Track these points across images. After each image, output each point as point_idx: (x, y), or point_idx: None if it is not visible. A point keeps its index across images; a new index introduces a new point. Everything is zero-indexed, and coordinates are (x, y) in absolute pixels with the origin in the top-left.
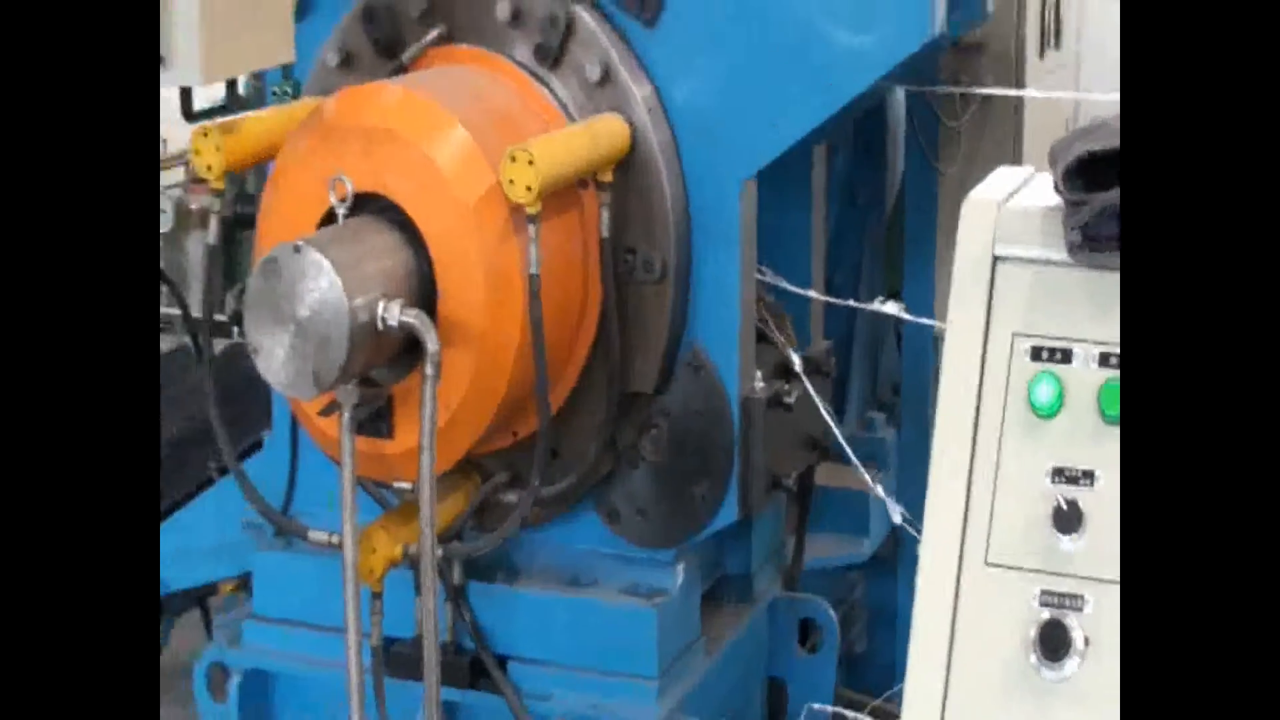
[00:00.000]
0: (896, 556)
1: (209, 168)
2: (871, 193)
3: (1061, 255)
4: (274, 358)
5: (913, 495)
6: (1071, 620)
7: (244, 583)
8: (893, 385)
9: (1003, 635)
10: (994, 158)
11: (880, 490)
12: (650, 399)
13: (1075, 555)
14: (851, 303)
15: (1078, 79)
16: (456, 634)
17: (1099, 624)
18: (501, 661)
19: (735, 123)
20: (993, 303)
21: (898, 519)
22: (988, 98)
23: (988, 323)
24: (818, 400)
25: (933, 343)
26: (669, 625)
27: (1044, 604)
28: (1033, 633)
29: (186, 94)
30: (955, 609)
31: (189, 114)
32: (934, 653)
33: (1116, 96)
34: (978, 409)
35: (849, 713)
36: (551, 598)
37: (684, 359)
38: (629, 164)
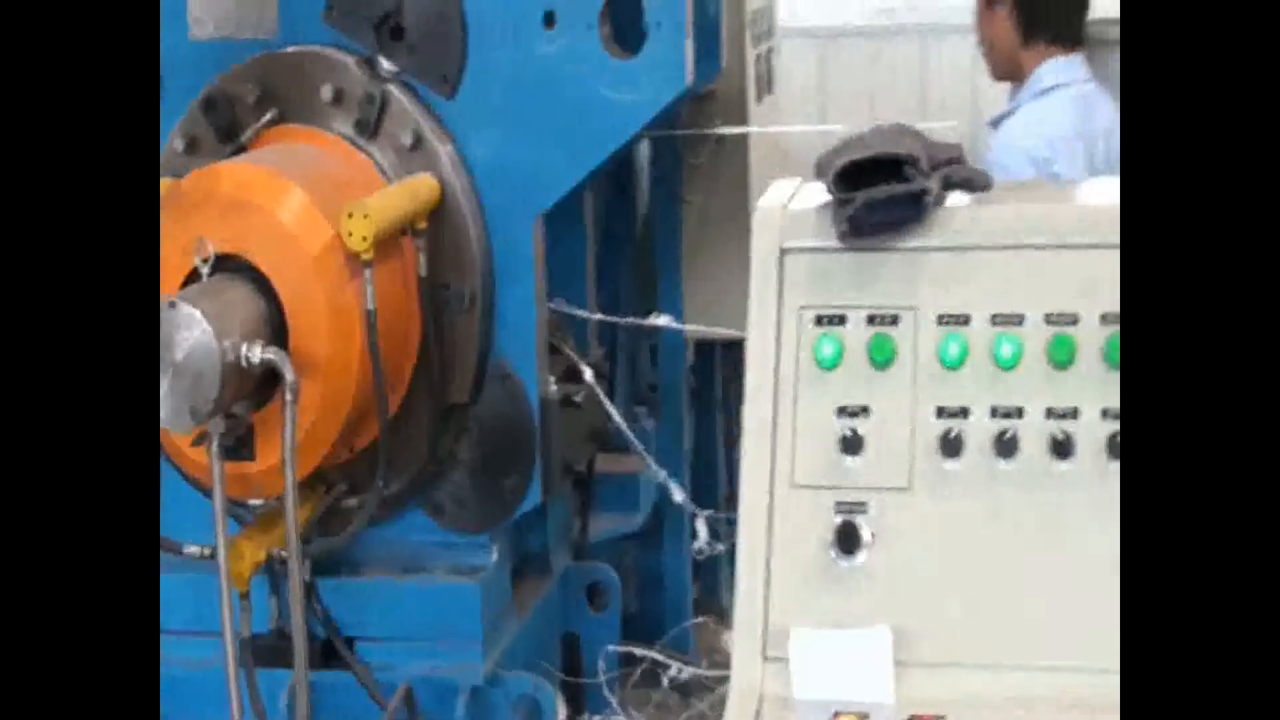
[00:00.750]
0: (660, 528)
1: None
2: (625, 224)
3: (833, 243)
4: (163, 399)
5: (671, 473)
6: (860, 521)
7: None
8: (649, 385)
9: (809, 538)
10: (730, 186)
11: (656, 468)
12: (465, 408)
13: (858, 471)
14: (632, 320)
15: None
16: (308, 624)
17: (881, 523)
18: (350, 642)
19: (522, 173)
20: (783, 284)
21: (678, 497)
22: (721, 137)
23: (780, 300)
24: (603, 398)
25: (683, 347)
26: (489, 596)
27: (838, 511)
28: (830, 535)
29: None
30: (770, 523)
31: None
32: (756, 558)
33: (816, 128)
34: (776, 368)
35: (637, 649)
36: (389, 583)
37: (492, 372)
38: (439, 213)
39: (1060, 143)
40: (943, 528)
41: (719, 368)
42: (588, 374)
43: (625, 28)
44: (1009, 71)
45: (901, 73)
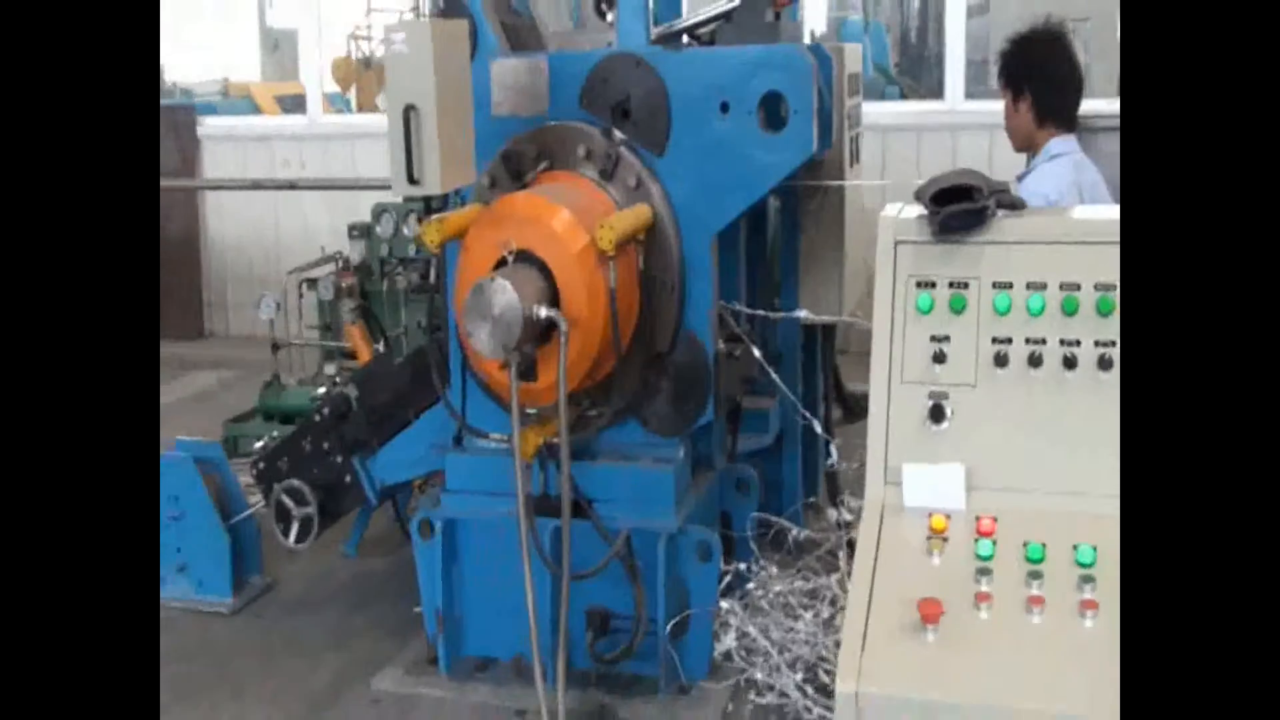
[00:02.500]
0: (781, 445)
1: (433, 241)
2: (760, 244)
3: (928, 238)
4: (480, 339)
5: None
6: (944, 403)
7: (425, 482)
8: (775, 350)
9: (912, 412)
10: (830, 222)
11: (787, 391)
12: (665, 355)
13: (942, 374)
14: (773, 314)
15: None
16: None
17: (956, 405)
18: (589, 503)
19: (704, 207)
20: (896, 263)
21: (818, 428)
22: (827, 189)
23: (894, 273)
24: (756, 354)
25: (797, 326)
26: (678, 479)
27: (930, 397)
28: (926, 410)
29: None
30: (889, 403)
31: (429, 209)
32: (880, 424)
33: (878, 182)
34: (892, 313)
35: (771, 517)
36: (615, 467)
37: (682, 333)
38: (652, 231)
39: (1063, 189)
40: (994, 409)
41: (819, 340)
42: (745, 338)
43: (774, 114)
44: (1026, 145)
45: (938, 154)
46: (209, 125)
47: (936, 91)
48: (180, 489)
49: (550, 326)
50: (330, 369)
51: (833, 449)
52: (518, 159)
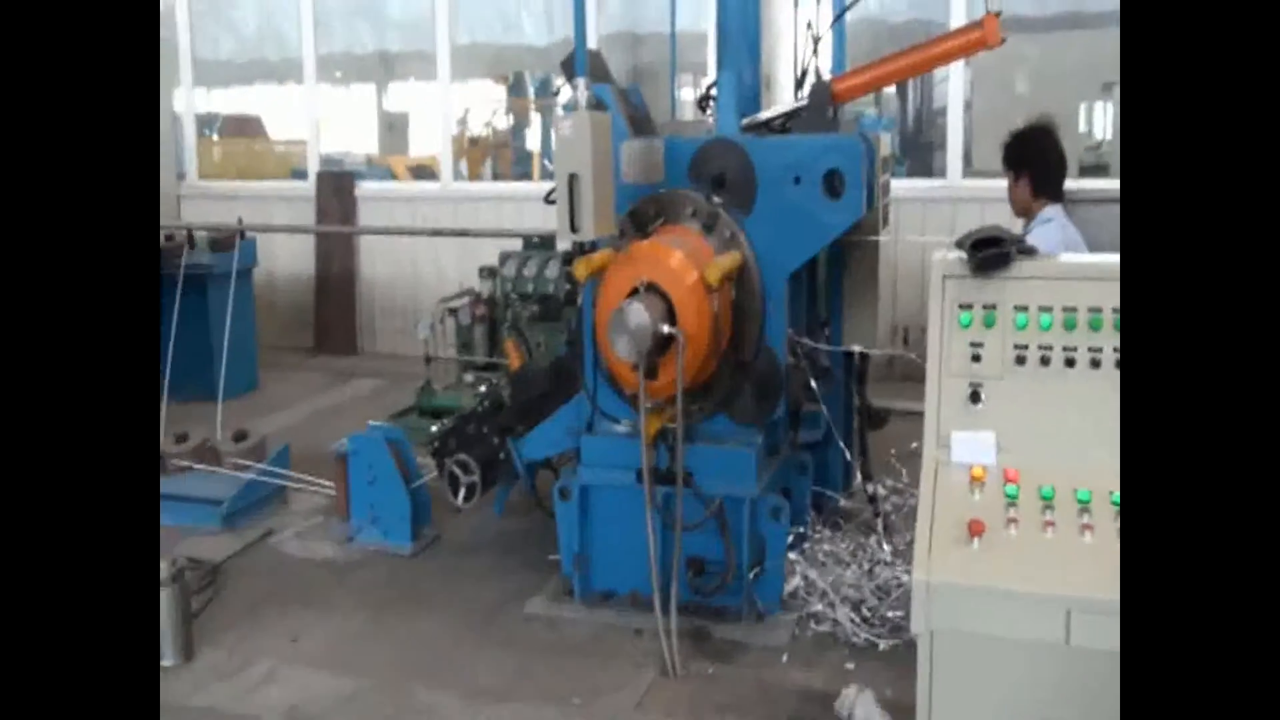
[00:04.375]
0: (826, 440)
1: (581, 275)
2: (812, 285)
3: (968, 274)
4: (619, 346)
5: (834, 412)
6: (980, 390)
7: (568, 457)
8: (824, 367)
9: (956, 397)
10: (868, 269)
11: (824, 409)
12: (749, 364)
13: (979, 369)
14: (825, 345)
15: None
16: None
17: (989, 392)
18: (690, 475)
19: (780, 255)
20: (944, 292)
21: (842, 444)
22: (865, 243)
23: (943, 298)
24: (807, 371)
25: (840, 352)
26: (758, 458)
27: (970, 386)
28: (966, 395)
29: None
30: (939, 391)
31: (571, 256)
32: (933, 407)
33: (920, 239)
34: (941, 327)
35: (827, 491)
36: (711, 448)
37: (763, 348)
38: (742, 272)
39: (1053, 245)
40: (1016, 395)
41: (855, 362)
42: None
43: (831, 185)
44: (1024, 213)
45: (940, 220)
46: (364, 188)
47: (929, 170)
48: (373, 460)
49: (669, 339)
50: (468, 377)
51: (849, 454)
52: (641, 216)
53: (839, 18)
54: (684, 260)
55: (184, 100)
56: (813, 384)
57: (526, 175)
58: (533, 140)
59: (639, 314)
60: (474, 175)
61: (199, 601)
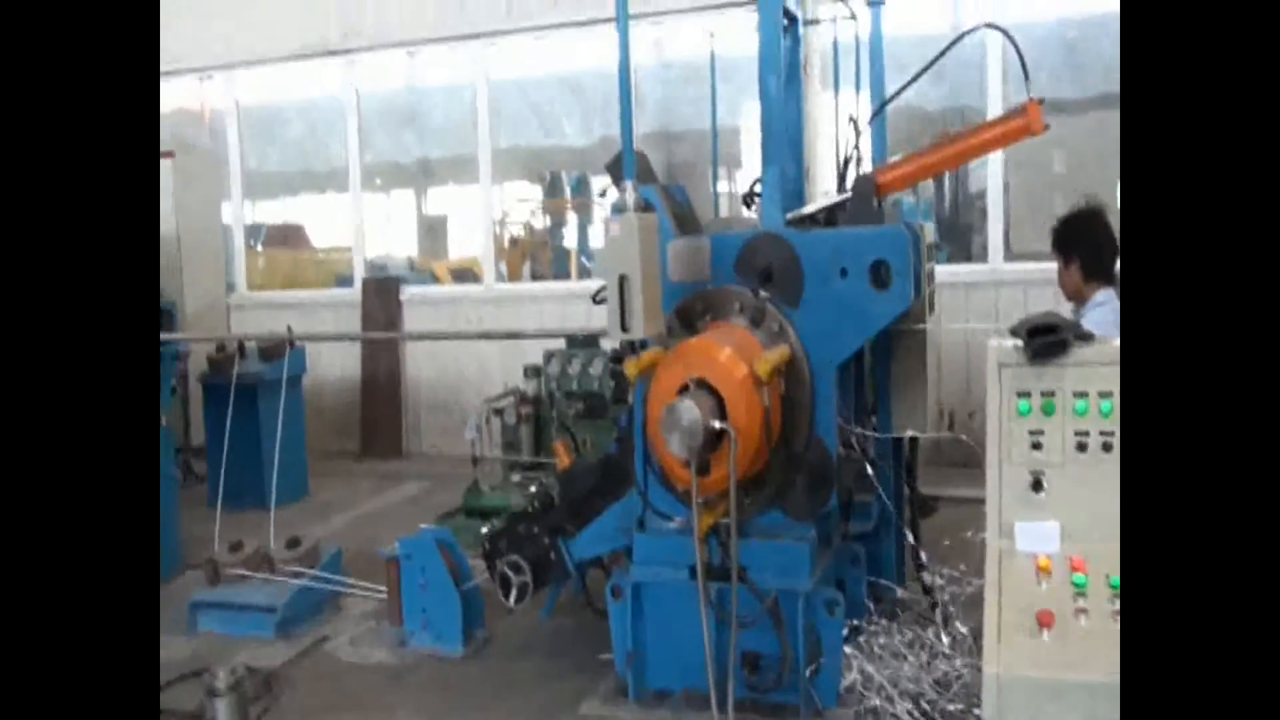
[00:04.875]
0: (878, 530)
1: (632, 373)
2: (859, 372)
3: (1024, 363)
4: (672, 443)
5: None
6: (1041, 478)
7: (618, 555)
8: (872, 459)
9: (1019, 483)
10: (916, 356)
11: (880, 495)
12: (801, 455)
13: (1039, 458)
14: (875, 433)
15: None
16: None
17: (1051, 479)
18: (744, 570)
19: (828, 347)
20: (1002, 380)
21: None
22: (912, 330)
23: (1000, 387)
24: (865, 460)
25: (890, 440)
26: (811, 552)
27: (1031, 473)
28: (1029, 482)
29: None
30: (1000, 478)
31: (619, 355)
32: (995, 494)
33: (960, 326)
34: (1000, 415)
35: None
36: (764, 542)
37: (813, 439)
38: (791, 364)
39: (1108, 328)
40: (1079, 482)
41: (905, 448)
42: (857, 447)
43: (877, 275)
44: (1075, 297)
45: (984, 305)
46: (409, 292)
47: (969, 255)
48: (425, 563)
49: (721, 434)
50: (515, 477)
51: (910, 539)
52: (688, 312)
53: (880, 109)
54: (733, 355)
55: (233, 213)
56: (869, 471)
57: (564, 274)
58: (569, 239)
59: (690, 411)
60: (514, 275)
61: (256, 710)
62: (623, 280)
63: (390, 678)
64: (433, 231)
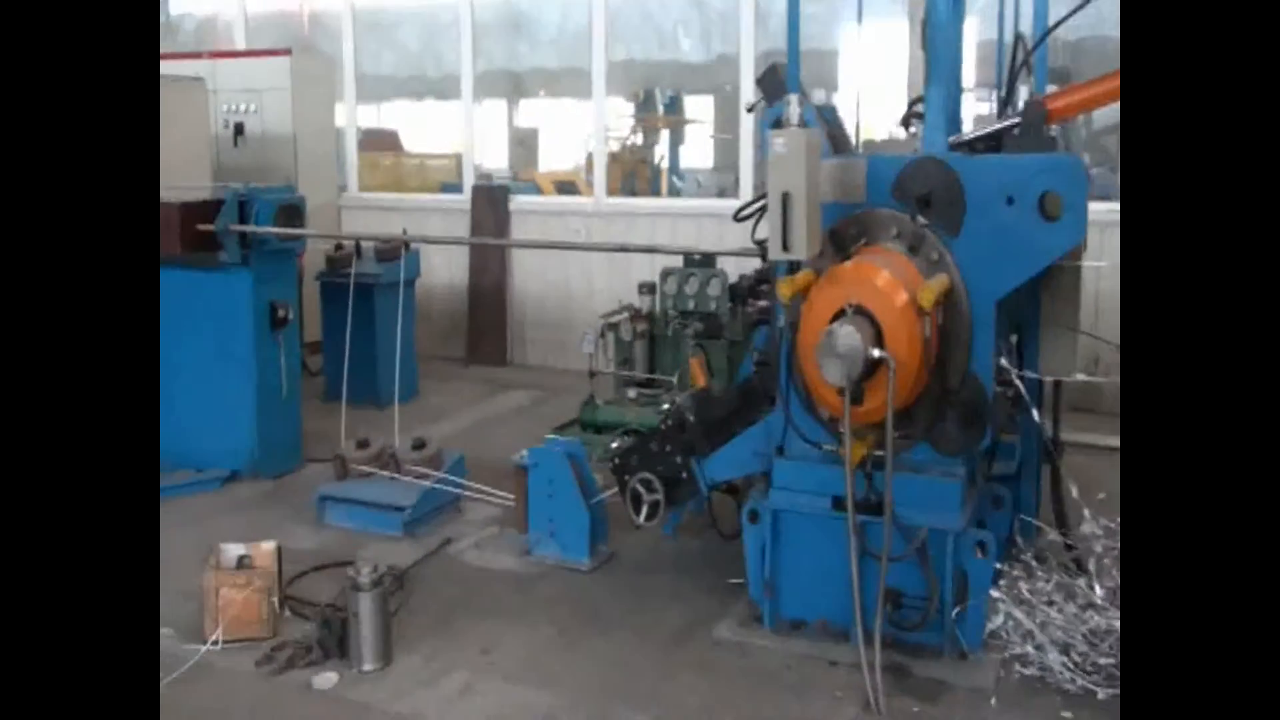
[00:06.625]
0: (1020, 471)
1: (784, 294)
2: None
3: None
4: (829, 370)
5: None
6: None
7: (751, 480)
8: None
9: None
10: (1069, 296)
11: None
12: (955, 390)
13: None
14: (1028, 373)
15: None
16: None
17: None
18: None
19: (991, 279)
20: None
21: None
22: (1069, 267)
23: None
24: (1026, 397)
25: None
26: (962, 490)
27: None
28: None
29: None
30: None
31: (762, 279)
32: None
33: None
34: None
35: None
36: (914, 477)
37: (969, 374)
38: (950, 295)
39: None
40: None
41: (1050, 390)
42: (1016, 380)
43: (1048, 208)
44: None
45: (1114, 246)
46: (518, 202)
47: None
48: (554, 474)
49: (878, 363)
50: (630, 393)
51: (1072, 490)
52: (842, 236)
53: (1047, 34)
54: (892, 282)
55: (347, 114)
56: (1032, 411)
57: (655, 193)
58: (659, 157)
59: (850, 337)
60: (613, 191)
61: (393, 605)
62: (786, 198)
63: (519, 584)
64: (524, 144)
